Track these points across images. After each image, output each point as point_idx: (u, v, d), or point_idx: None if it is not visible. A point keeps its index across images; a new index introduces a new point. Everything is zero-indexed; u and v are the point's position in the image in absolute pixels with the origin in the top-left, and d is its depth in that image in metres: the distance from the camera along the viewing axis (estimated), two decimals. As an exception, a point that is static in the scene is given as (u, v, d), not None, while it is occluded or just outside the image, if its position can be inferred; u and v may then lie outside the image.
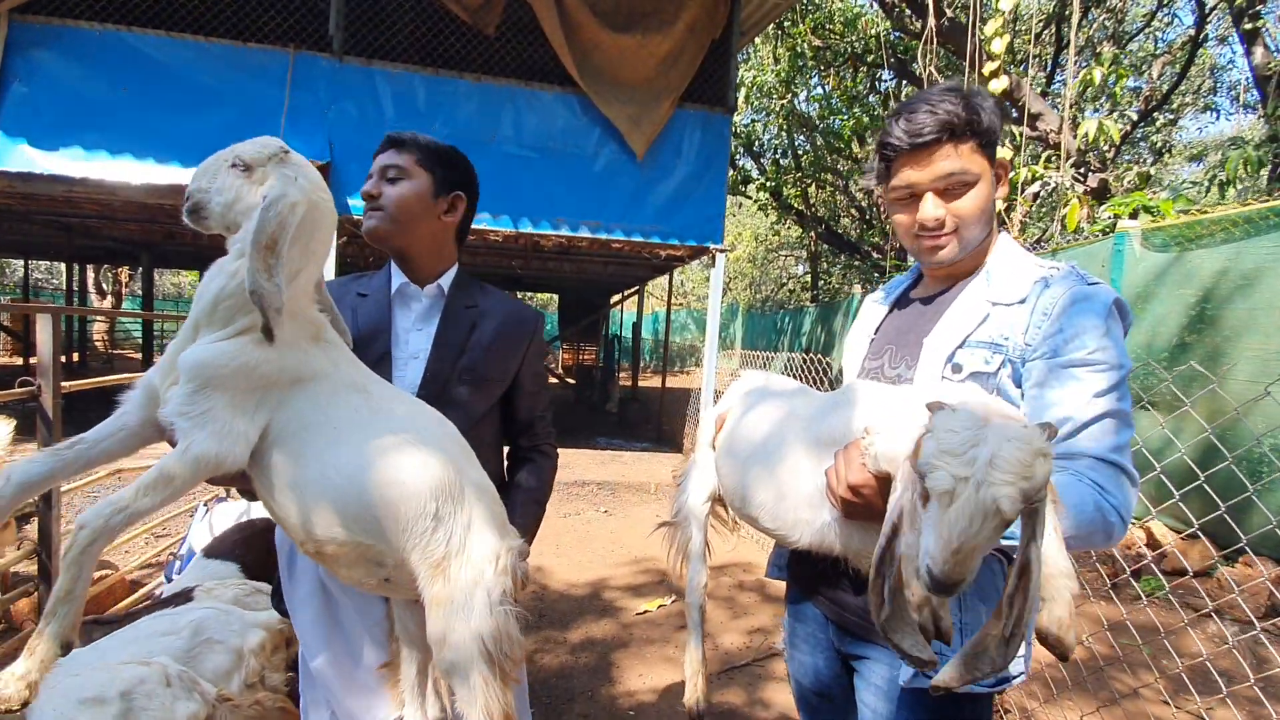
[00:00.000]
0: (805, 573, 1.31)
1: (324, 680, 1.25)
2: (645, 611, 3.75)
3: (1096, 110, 12.40)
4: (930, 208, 1.15)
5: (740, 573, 4.38)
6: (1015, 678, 1.11)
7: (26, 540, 2.60)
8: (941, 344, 1.14)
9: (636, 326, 11.75)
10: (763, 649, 3.37)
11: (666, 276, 10.44)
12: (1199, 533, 3.88)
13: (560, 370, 17.19)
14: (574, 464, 7.01)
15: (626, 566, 4.46)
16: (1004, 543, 0.96)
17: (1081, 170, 6.87)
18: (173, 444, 0.99)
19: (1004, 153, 6.33)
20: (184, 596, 2.10)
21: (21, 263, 15.98)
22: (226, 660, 1.87)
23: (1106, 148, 6.99)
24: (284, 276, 0.99)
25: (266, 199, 1.02)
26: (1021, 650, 1.09)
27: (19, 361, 13.27)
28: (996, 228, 1.24)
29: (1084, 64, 11.29)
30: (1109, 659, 3.26)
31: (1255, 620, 2.19)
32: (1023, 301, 1.11)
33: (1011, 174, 6.61)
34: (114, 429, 1.01)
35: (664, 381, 10.08)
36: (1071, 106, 9.25)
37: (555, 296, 20.63)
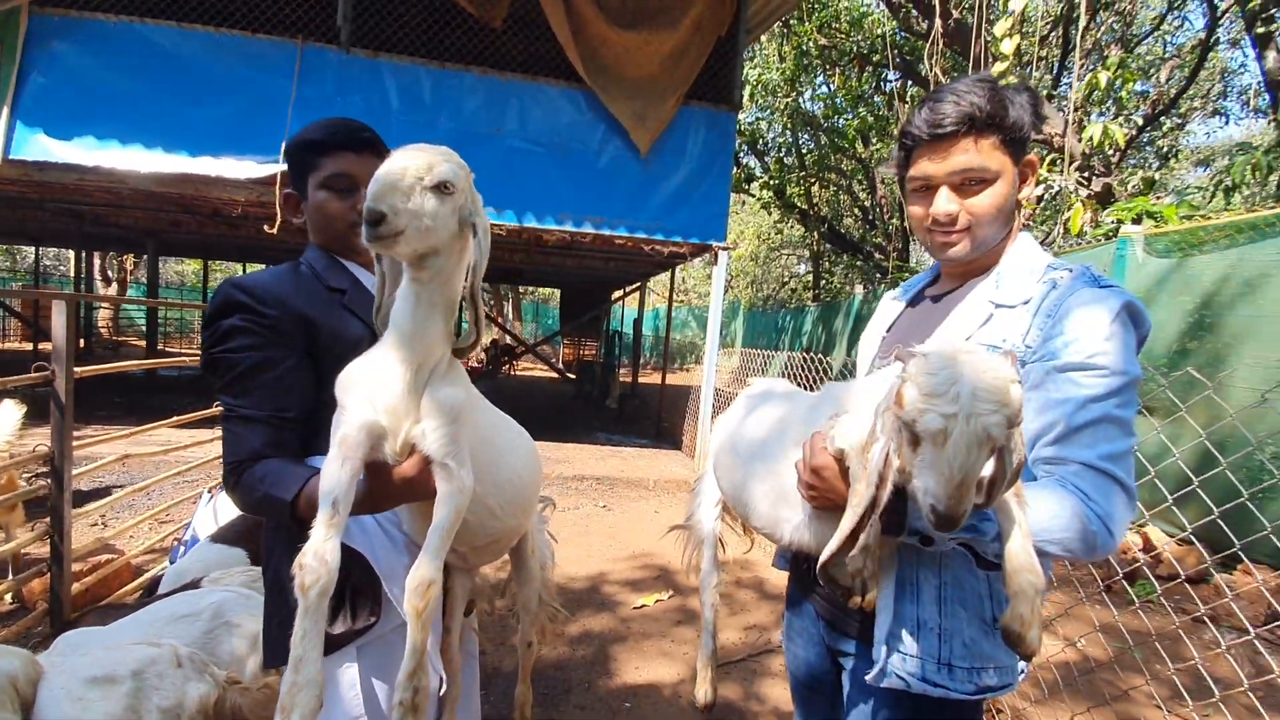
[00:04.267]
0: (803, 569, 1.34)
1: (433, 655, 1.29)
2: (642, 606, 3.78)
3: (1104, 114, 12.36)
4: (943, 202, 1.14)
5: (739, 570, 4.41)
6: (1000, 688, 1.11)
7: (39, 523, 2.63)
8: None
9: (638, 323, 11.76)
10: (758, 645, 3.40)
11: (669, 273, 10.47)
12: (1193, 539, 3.90)
13: (561, 365, 17.22)
14: (573, 459, 7.05)
15: (624, 562, 4.50)
16: (965, 536, 0.99)
17: (1086, 174, 6.88)
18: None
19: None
20: (192, 586, 2.14)
21: (32, 250, 16.05)
22: (244, 644, 1.91)
23: (1111, 152, 6.99)
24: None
25: (478, 227, 1.00)
26: (1004, 659, 1.11)
27: (28, 347, 13.34)
28: (1017, 227, 1.22)
29: (1091, 67, 11.27)
30: (1102, 662, 3.29)
31: (1251, 627, 2.21)
32: (1027, 302, 1.09)
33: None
34: (349, 478, 0.95)
35: (664, 378, 10.11)
36: (1076, 110, 9.24)
37: (557, 291, 20.65)
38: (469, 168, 1.01)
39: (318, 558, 0.90)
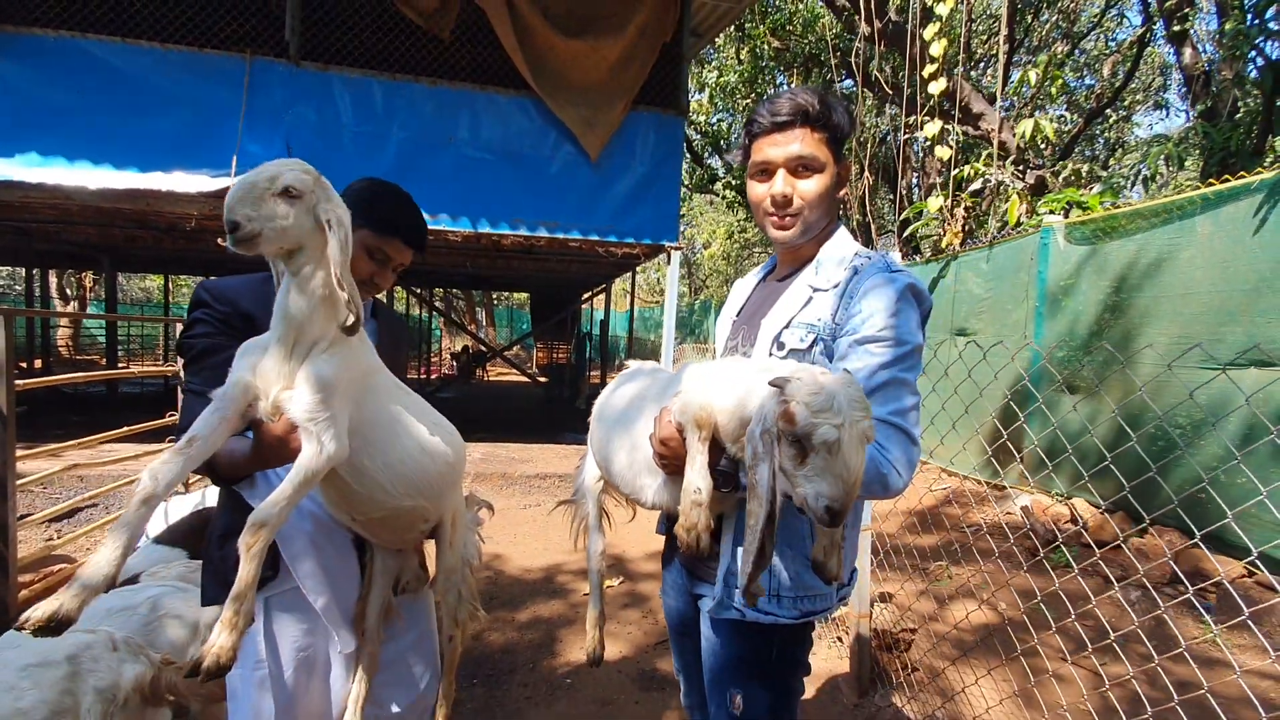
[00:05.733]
0: (671, 529, 1.51)
1: (327, 616, 1.44)
2: (593, 593, 3.93)
3: (1056, 107, 12.80)
4: (780, 183, 1.32)
5: (688, 555, 4.58)
6: (821, 611, 1.29)
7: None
8: (772, 325, 1.33)
9: (604, 324, 11.92)
10: (701, 623, 3.57)
11: (633, 274, 10.64)
12: (1108, 506, 4.14)
13: (535, 368, 17.30)
14: (538, 459, 7.18)
15: (580, 553, 4.64)
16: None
17: (1021, 168, 7.18)
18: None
19: (943, 151, 6.59)
20: (131, 580, 2.24)
21: (-19, 268, 15.74)
22: (184, 633, 2.03)
23: (1043, 146, 7.29)
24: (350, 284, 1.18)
25: (332, 222, 1.14)
26: (822, 588, 1.29)
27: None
28: (835, 221, 1.42)
29: (1034, 64, 11.65)
30: (1018, 623, 3.50)
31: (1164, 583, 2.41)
32: (836, 286, 1.29)
33: (955, 171, 6.86)
34: (216, 423, 1.10)
35: (631, 377, 10.28)
36: (1026, 104, 9.60)
37: (527, 295, 20.70)
38: (318, 173, 1.16)
39: (151, 474, 1.02)
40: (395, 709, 1.59)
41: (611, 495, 1.74)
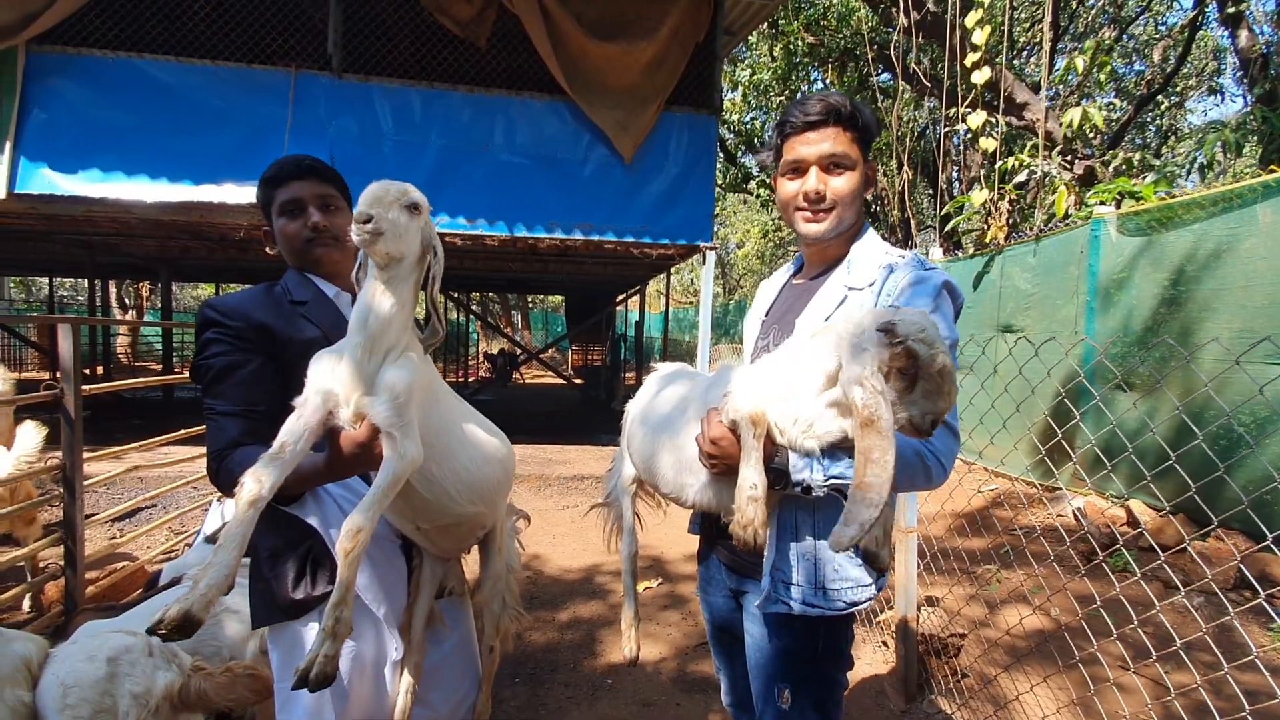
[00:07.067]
0: (708, 527, 1.51)
1: (388, 623, 1.45)
2: (633, 594, 3.93)
3: (1104, 95, 12.37)
4: (814, 180, 1.34)
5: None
6: (864, 601, 1.29)
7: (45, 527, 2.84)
8: (808, 323, 1.33)
9: (639, 325, 11.94)
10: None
11: (667, 275, 10.64)
12: (1170, 508, 3.97)
13: (570, 371, 17.41)
14: (574, 460, 7.22)
15: (618, 554, 4.65)
16: (836, 482, 1.14)
17: (1068, 158, 6.95)
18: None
19: (988, 143, 6.43)
20: (181, 580, 2.32)
21: (46, 280, 16.57)
22: (244, 629, 2.09)
23: (1092, 135, 7.06)
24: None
25: (435, 244, 1.23)
26: (865, 579, 1.27)
27: (46, 376, 13.76)
28: (863, 222, 1.43)
29: (1080, 50, 11.27)
30: (1075, 630, 3.38)
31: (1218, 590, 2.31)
32: (872, 284, 1.29)
33: (999, 164, 6.69)
34: (302, 429, 1.13)
35: (667, 379, 10.26)
36: (1072, 92, 9.30)
37: (562, 298, 20.85)
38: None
39: (253, 477, 1.07)
40: (439, 711, 1.60)
41: (644, 497, 1.73)
